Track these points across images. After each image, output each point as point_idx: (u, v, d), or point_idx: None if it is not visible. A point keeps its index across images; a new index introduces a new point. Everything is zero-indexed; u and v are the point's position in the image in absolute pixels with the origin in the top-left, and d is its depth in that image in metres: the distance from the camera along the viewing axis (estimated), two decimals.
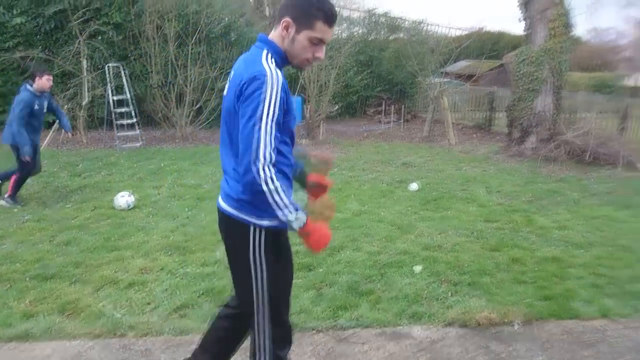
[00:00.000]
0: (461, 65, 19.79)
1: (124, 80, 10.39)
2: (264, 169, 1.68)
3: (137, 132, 10.19)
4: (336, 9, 1.89)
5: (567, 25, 10.32)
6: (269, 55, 1.83)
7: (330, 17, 1.83)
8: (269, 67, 1.76)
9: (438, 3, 36.33)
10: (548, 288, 3.85)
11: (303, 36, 1.81)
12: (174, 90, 10.83)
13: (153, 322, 3.22)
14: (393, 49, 15.87)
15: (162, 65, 11.05)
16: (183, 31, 11.11)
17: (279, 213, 1.74)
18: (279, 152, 1.81)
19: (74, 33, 10.58)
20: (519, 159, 9.92)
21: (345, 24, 16.02)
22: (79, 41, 10.33)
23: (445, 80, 14.24)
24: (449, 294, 3.72)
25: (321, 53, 1.87)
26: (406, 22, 16.95)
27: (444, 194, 6.85)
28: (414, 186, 7.10)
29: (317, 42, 1.83)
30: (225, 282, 3.80)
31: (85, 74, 10.45)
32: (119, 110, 10.32)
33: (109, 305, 3.44)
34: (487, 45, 21.97)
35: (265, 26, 14.51)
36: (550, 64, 10.12)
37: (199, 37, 11.16)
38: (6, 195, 5.85)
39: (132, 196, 5.85)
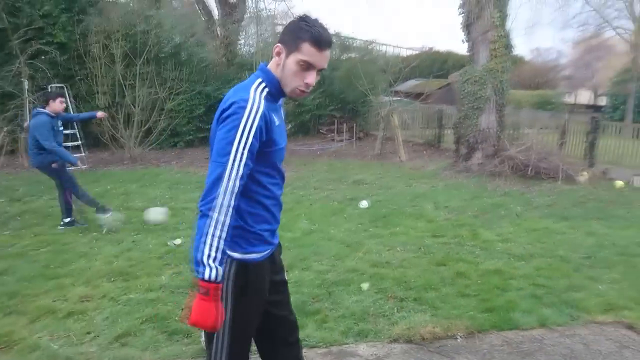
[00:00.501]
0: (411, 84, 20.33)
1: (68, 101, 10.09)
2: (224, 194, 1.64)
3: (83, 154, 9.90)
4: (327, 36, 1.75)
5: (507, 46, 10.82)
6: (262, 85, 1.78)
7: (317, 39, 1.71)
8: (254, 95, 1.73)
9: (387, 24, 37.31)
10: (490, 300, 3.96)
11: (291, 60, 1.74)
12: (121, 111, 10.61)
13: (92, 352, 3.11)
14: (345, 68, 16.15)
15: (109, 85, 10.82)
16: (131, 51, 10.94)
17: (204, 249, 1.62)
18: (257, 183, 1.78)
19: (14, 53, 10.23)
20: (466, 174, 10.23)
21: None
22: (20, 61, 9.99)
23: (396, 98, 14.58)
24: (395, 310, 3.77)
25: (311, 79, 1.76)
26: (357, 42, 17.32)
27: (393, 211, 6.97)
28: (364, 203, 7.19)
29: (306, 67, 1.73)
30: (170, 307, 3.72)
31: (26, 95, 10.09)
32: (63, 132, 9.96)
33: (46, 337, 3.29)
34: (435, 65, 22.76)
35: (217, 46, 14.50)
36: (493, 83, 10.55)
37: (148, 57, 11.02)
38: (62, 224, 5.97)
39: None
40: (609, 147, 11.41)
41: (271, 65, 1.82)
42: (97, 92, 10.80)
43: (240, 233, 1.81)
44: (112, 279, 4.29)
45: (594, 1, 20.71)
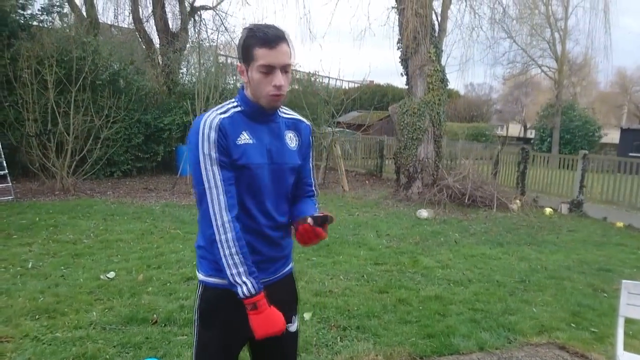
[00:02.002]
0: (352, 115, 20.78)
1: None
2: (214, 215, 1.63)
3: (9, 184, 9.31)
4: (274, 33, 1.67)
5: (443, 80, 11.33)
6: (231, 104, 1.75)
7: (264, 39, 1.64)
8: (210, 113, 1.70)
9: (329, 58, 38.30)
10: (431, 326, 4.00)
11: (253, 71, 1.67)
12: (53, 139, 10.12)
13: None
14: (287, 99, 16.26)
15: (41, 112, 10.32)
16: (66, 77, 10.53)
17: (227, 271, 1.62)
18: (239, 204, 1.70)
19: None
20: (407, 203, 10.46)
21: (239, 76, 16.22)
22: None
23: (338, 129, 14.83)
24: (338, 339, 3.72)
25: (278, 80, 1.67)
26: (299, 74, 17.57)
27: (336, 239, 6.97)
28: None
29: (268, 70, 1.65)
30: (100, 345, 3.49)
31: None
32: None
33: None
34: (376, 97, 23.43)
35: (158, 74, 14.27)
36: (430, 115, 10.96)
37: (84, 84, 10.64)
38: None
39: None
40: (538, 176, 12.05)
41: (245, 87, 1.78)
42: (28, 119, 10.25)
43: (203, 253, 1.78)
44: (37, 317, 3.98)
45: (521, 41, 22.15)
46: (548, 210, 10.29)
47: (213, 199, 1.64)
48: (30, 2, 11.81)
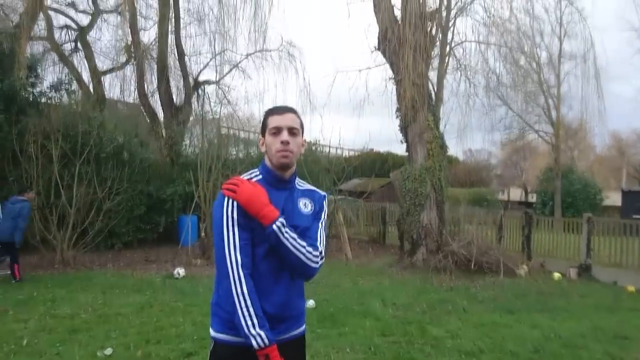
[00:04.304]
0: (354, 183, 20.91)
1: None
2: (230, 268, 1.81)
3: (7, 258, 9.18)
4: (282, 106, 2.07)
5: (442, 147, 11.50)
6: (253, 173, 2.03)
7: (274, 109, 2.03)
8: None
9: (329, 127, 39.20)
10: None
11: (267, 137, 2.00)
12: (56, 212, 10.12)
13: None
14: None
15: (44, 185, 10.39)
16: (70, 151, 10.71)
17: (242, 322, 1.77)
18: (254, 259, 1.88)
19: None
20: (412, 270, 10.27)
21: (242, 145, 16.52)
22: None
23: (340, 197, 14.86)
24: None
25: (284, 137, 1.95)
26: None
27: (340, 309, 6.77)
28: (310, 303, 6.95)
29: (276, 132, 1.97)
30: None
31: None
32: None
33: None
34: (376, 165, 23.72)
35: (161, 146, 14.52)
36: (432, 181, 11.01)
37: (88, 157, 10.79)
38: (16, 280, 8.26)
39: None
40: (543, 240, 11.91)
41: (265, 157, 2.06)
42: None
43: (216, 310, 1.94)
44: None
45: (516, 107, 22.69)
46: (556, 275, 10.07)
47: (231, 256, 1.83)
48: (39, 80, 12.27)
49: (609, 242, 10.77)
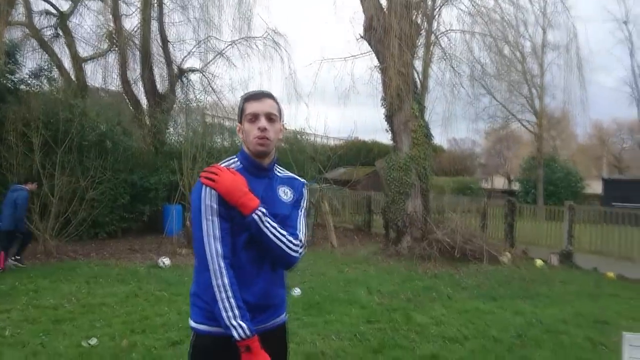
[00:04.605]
0: (339, 171, 20.92)
1: None
2: (210, 259, 1.78)
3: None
4: (260, 91, 2.01)
5: (427, 136, 11.55)
6: (231, 160, 1.99)
7: (251, 95, 1.98)
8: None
9: (315, 116, 39.00)
10: None
11: (244, 123, 1.96)
12: (38, 202, 9.96)
13: None
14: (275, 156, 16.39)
15: (25, 174, 10.20)
16: (52, 139, 10.53)
17: (223, 314, 1.75)
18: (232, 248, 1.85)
19: None
20: (397, 258, 10.35)
21: (227, 133, 16.38)
22: None
23: (325, 185, 14.87)
24: None
25: (261, 123, 1.92)
26: (285, 132, 17.79)
27: (326, 297, 6.80)
28: (296, 291, 6.98)
29: (254, 118, 1.93)
30: None
31: None
32: None
33: None
34: (362, 154, 23.72)
35: (145, 135, 14.34)
36: (416, 169, 11.07)
37: (70, 145, 10.62)
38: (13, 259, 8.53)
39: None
40: (526, 228, 12.08)
41: (243, 144, 2.03)
42: (12, 182, 10.13)
43: (196, 300, 1.90)
44: None
45: (500, 97, 22.85)
46: (538, 262, 10.24)
47: (211, 246, 1.80)
48: (19, 66, 11.99)
49: (590, 229, 10.96)
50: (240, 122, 1.99)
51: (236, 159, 1.99)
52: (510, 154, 40.17)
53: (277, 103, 2.00)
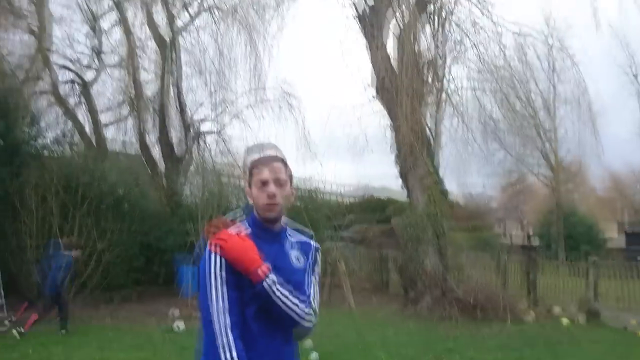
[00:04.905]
0: (355, 229, 20.77)
1: None
2: (225, 332, 1.70)
3: (4, 314, 9.01)
4: (269, 155, 1.91)
5: (443, 192, 11.53)
6: (243, 226, 1.90)
7: (257, 161, 1.89)
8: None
9: (329, 174, 39.22)
10: None
11: (253, 188, 1.88)
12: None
13: None
14: (289, 216, 16.38)
15: (43, 239, 10.31)
16: (71, 203, 10.70)
17: None
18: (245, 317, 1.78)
19: None
20: (416, 318, 10.05)
21: (242, 194, 16.51)
22: None
23: (341, 244, 14.75)
24: None
25: (270, 189, 1.85)
26: (300, 192, 17.87)
27: None
28: (313, 356, 6.76)
29: (263, 184, 1.86)
30: None
31: None
32: None
33: None
34: (377, 211, 23.63)
35: (161, 197, 14.52)
36: (433, 226, 10.96)
37: (88, 209, 10.77)
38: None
39: None
40: (549, 284, 11.71)
41: (253, 208, 1.95)
42: (30, 247, 10.23)
43: None
44: None
45: (515, 151, 22.88)
46: (564, 320, 9.83)
47: (220, 319, 1.72)
48: (42, 133, 12.43)
49: (616, 285, 10.59)
50: (247, 181, 1.93)
51: (246, 225, 1.93)
52: (528, 207, 39.67)
53: (286, 163, 1.95)
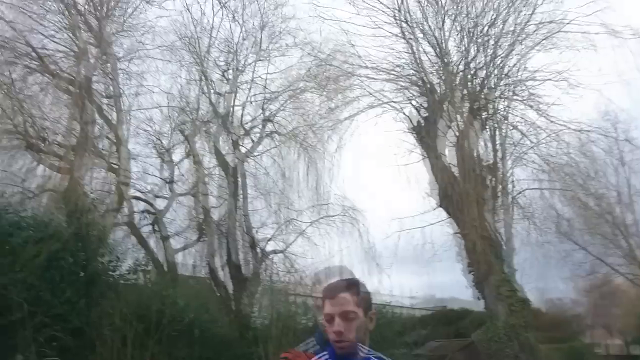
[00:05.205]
0: (431, 346, 19.48)
1: None
2: None
3: None
4: (334, 285, 1.93)
5: (524, 300, 10.74)
6: (324, 356, 1.93)
7: (326, 291, 1.90)
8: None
9: (398, 287, 37.99)
10: None
11: (324, 320, 1.90)
12: None
13: None
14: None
15: None
16: (144, 331, 10.78)
17: None
18: None
19: (26, 342, 10.04)
20: None
21: (310, 313, 16.14)
22: (31, 350, 9.72)
23: None
24: None
25: (336, 326, 1.84)
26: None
27: None
28: None
29: (329, 319, 1.87)
30: None
31: None
32: None
33: None
34: (452, 324, 22.23)
35: (231, 320, 14.39)
36: (518, 339, 10.08)
37: (160, 336, 10.79)
38: None
39: None
40: None
41: None
42: None
43: None
44: None
45: (596, 251, 21.41)
46: None
47: None
48: (119, 263, 12.99)
49: None
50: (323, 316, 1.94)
51: (327, 356, 1.92)
52: (620, 311, 36.03)
53: (357, 293, 1.88)
